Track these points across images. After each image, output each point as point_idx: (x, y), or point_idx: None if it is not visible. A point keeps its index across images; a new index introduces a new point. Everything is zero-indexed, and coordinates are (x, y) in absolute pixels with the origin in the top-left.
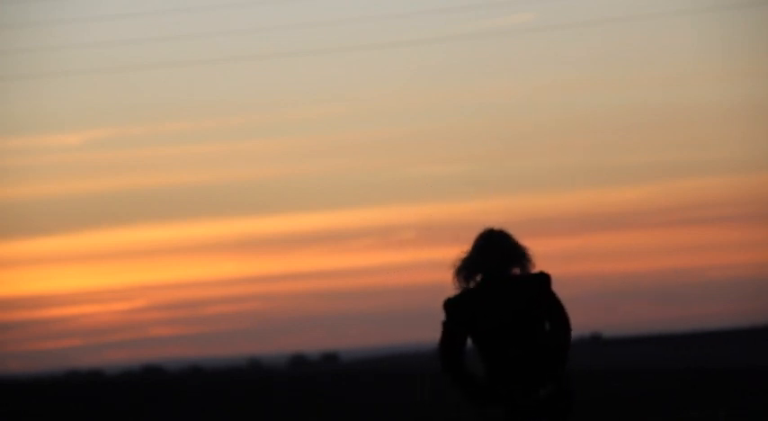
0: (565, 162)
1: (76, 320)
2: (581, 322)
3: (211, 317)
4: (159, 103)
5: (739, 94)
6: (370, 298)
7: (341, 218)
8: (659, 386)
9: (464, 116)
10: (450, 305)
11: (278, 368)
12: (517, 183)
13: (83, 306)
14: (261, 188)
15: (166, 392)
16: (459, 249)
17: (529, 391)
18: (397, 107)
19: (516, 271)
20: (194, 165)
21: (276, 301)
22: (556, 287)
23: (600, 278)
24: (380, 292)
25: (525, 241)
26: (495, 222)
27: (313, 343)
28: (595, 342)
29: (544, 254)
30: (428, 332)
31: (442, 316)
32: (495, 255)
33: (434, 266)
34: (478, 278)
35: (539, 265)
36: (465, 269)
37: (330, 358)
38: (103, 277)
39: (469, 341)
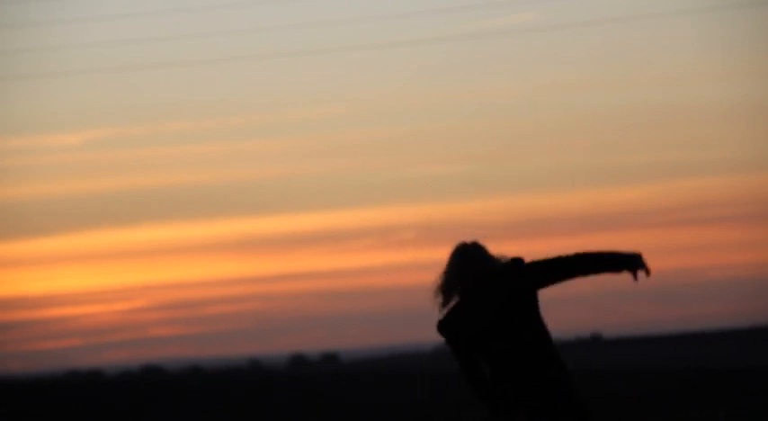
0: (565, 162)
1: (76, 320)
2: (581, 322)
3: (211, 317)
4: (159, 102)
5: (739, 94)
6: (370, 298)
7: (341, 218)
8: (659, 386)
9: (464, 116)
10: (444, 326)
11: (278, 368)
12: (517, 183)
13: (83, 306)
14: (261, 188)
15: (166, 392)
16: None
17: (528, 383)
18: (397, 107)
19: None
20: (194, 165)
21: (276, 301)
22: (556, 287)
23: (600, 278)
24: (380, 292)
25: (525, 241)
26: (496, 222)
27: (313, 343)
28: (595, 342)
29: (544, 254)
30: (428, 332)
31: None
32: (474, 269)
33: (434, 266)
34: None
35: None
36: (446, 286)
37: (330, 358)
38: (104, 277)
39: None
